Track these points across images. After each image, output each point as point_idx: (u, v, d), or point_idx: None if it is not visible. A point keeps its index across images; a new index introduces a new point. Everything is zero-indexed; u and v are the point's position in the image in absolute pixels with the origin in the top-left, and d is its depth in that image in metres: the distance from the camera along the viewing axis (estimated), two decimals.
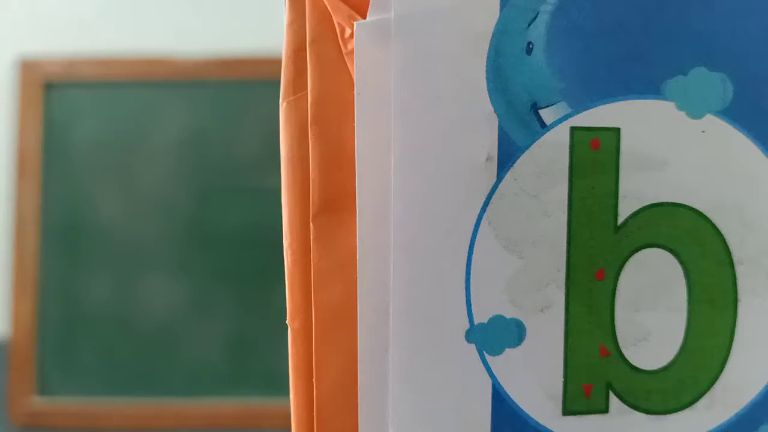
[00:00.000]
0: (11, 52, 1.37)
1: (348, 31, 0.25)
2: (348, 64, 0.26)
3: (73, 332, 1.35)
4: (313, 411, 0.26)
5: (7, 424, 1.34)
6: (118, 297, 1.35)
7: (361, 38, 0.25)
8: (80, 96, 1.36)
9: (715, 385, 0.28)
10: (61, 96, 1.37)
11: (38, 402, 1.35)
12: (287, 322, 0.26)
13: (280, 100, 0.26)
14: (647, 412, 0.28)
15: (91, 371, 1.35)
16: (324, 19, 0.26)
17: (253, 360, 1.35)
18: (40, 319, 1.35)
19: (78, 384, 1.35)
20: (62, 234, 1.36)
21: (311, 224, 0.26)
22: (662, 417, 0.28)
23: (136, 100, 1.36)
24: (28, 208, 1.35)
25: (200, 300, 1.35)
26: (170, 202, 1.36)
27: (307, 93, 0.26)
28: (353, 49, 0.25)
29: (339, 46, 0.26)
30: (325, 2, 0.25)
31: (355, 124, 0.25)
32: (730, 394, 0.28)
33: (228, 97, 1.36)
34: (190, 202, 1.36)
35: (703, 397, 0.28)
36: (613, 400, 0.27)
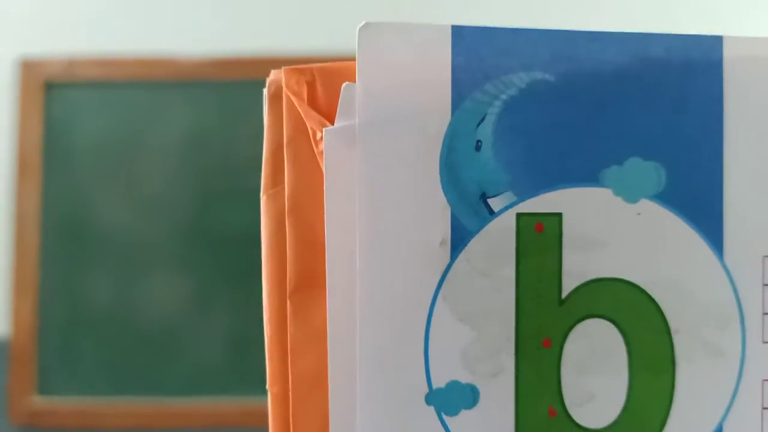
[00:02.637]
0: (12, 52, 1.37)
1: (319, 134, 0.30)
2: (319, 162, 0.30)
3: (73, 332, 1.35)
4: None
5: (7, 424, 1.34)
6: (118, 297, 1.34)
7: (330, 141, 0.29)
8: (80, 96, 1.37)
9: None
10: (61, 96, 1.37)
11: (39, 401, 1.35)
12: (267, 386, 0.30)
13: (261, 193, 0.30)
14: None
15: (92, 371, 1.35)
16: (298, 122, 0.30)
17: (254, 359, 1.33)
18: (41, 319, 1.35)
19: (79, 383, 1.35)
20: (63, 233, 1.36)
21: (288, 300, 0.30)
22: None
23: (136, 100, 1.36)
24: (28, 208, 1.36)
25: (202, 300, 1.34)
26: (171, 201, 1.36)
27: (284, 186, 0.30)
28: (323, 149, 0.29)
29: (312, 146, 0.30)
30: (299, 110, 0.29)
31: (325, 214, 0.29)
32: None
33: (228, 98, 1.35)
34: (190, 202, 1.36)
35: None
36: None
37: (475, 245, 0.30)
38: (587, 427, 0.31)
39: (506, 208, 0.30)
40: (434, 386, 0.30)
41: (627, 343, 0.31)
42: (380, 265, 0.30)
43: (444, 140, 0.30)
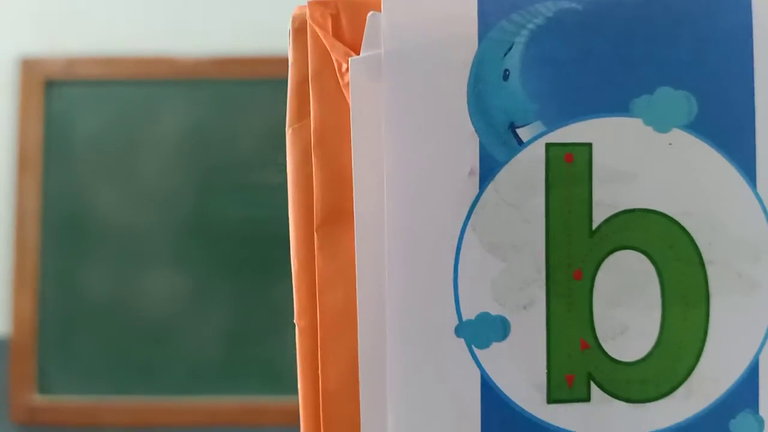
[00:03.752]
0: (12, 50, 1.38)
1: (344, 66, 0.29)
2: (345, 95, 0.29)
3: (73, 329, 1.36)
4: (319, 402, 0.30)
5: (7, 422, 1.35)
6: (118, 293, 1.35)
7: (356, 71, 0.29)
8: (80, 94, 1.38)
9: (691, 376, 0.30)
10: (61, 94, 1.38)
11: (39, 399, 1.36)
12: (295, 320, 0.30)
13: (286, 127, 0.30)
14: (627, 400, 0.30)
15: (92, 368, 1.36)
16: (323, 56, 0.30)
17: (254, 357, 1.34)
18: (41, 316, 1.36)
19: (78, 381, 1.36)
20: (63, 231, 1.37)
21: (315, 234, 0.30)
22: (642, 405, 0.30)
23: (135, 99, 1.37)
24: (28, 205, 1.37)
25: (201, 296, 1.35)
26: (170, 198, 1.37)
27: (309, 120, 0.30)
28: (349, 81, 0.29)
29: (337, 79, 0.30)
30: (324, 41, 0.29)
31: (352, 146, 0.29)
32: (707, 384, 0.30)
33: (227, 96, 1.36)
34: (189, 199, 1.37)
35: (680, 387, 0.30)
36: (595, 390, 0.30)
37: (504, 176, 0.30)
38: (620, 360, 0.30)
39: (535, 138, 0.30)
40: (464, 318, 0.29)
41: (659, 275, 0.30)
42: (408, 197, 0.29)
43: (471, 69, 0.29)
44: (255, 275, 1.35)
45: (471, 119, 0.29)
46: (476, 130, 0.29)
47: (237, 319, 1.36)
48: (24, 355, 1.37)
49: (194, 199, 1.38)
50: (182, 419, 1.34)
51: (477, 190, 0.29)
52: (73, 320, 1.37)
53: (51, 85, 1.39)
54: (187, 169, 1.38)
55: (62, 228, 1.38)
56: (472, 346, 0.30)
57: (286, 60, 0.31)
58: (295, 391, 0.31)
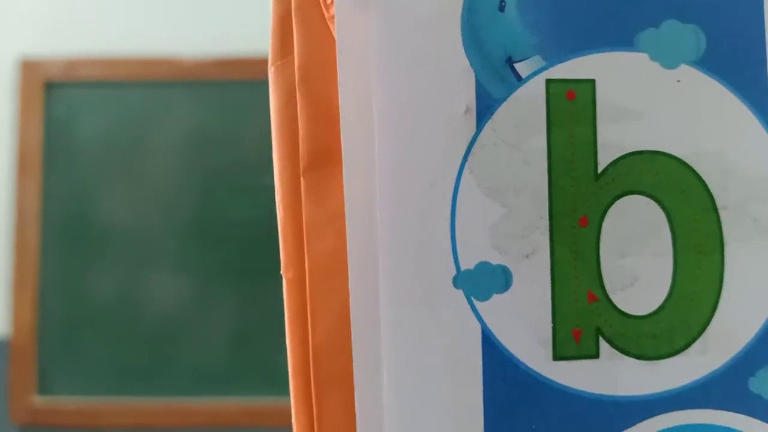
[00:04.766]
0: (12, 52, 1.37)
1: None
2: (331, 28, 0.27)
3: (74, 331, 1.35)
4: (309, 357, 0.27)
5: (7, 423, 1.34)
6: (119, 295, 1.34)
7: (341, 3, 0.27)
8: (80, 96, 1.37)
9: (707, 330, 0.28)
10: (61, 96, 1.38)
11: (39, 401, 1.35)
12: (282, 272, 0.28)
13: (269, 65, 0.28)
14: (639, 357, 0.28)
15: (93, 370, 1.35)
16: None
17: (255, 358, 1.33)
18: (41, 318, 1.35)
19: (79, 383, 1.35)
20: (63, 233, 1.36)
21: (302, 178, 0.27)
22: (655, 362, 0.28)
23: (136, 100, 1.36)
24: (29, 207, 1.36)
25: (203, 298, 1.34)
26: (171, 200, 1.36)
27: (293, 57, 0.28)
28: (334, 13, 0.27)
29: (322, 11, 0.28)
30: None
31: (338, 84, 0.27)
32: (724, 338, 0.28)
33: (228, 97, 1.35)
34: (191, 201, 1.36)
35: (695, 342, 0.28)
36: (603, 345, 0.28)
37: (502, 114, 0.28)
38: (630, 314, 0.28)
39: (535, 73, 0.28)
40: (462, 268, 0.27)
41: (670, 221, 0.28)
42: (400, 138, 0.27)
43: (465, 0, 0.27)
44: (258, 277, 1.34)
45: (465, 53, 0.27)
46: (471, 65, 0.27)
47: (240, 320, 1.35)
48: (24, 357, 1.36)
49: (196, 201, 1.37)
50: (184, 421, 1.33)
51: (474, 129, 0.27)
52: (73, 321, 1.36)
53: (51, 87, 1.39)
54: (190, 171, 1.37)
55: (62, 229, 1.37)
56: (472, 298, 0.27)
57: None
58: None
